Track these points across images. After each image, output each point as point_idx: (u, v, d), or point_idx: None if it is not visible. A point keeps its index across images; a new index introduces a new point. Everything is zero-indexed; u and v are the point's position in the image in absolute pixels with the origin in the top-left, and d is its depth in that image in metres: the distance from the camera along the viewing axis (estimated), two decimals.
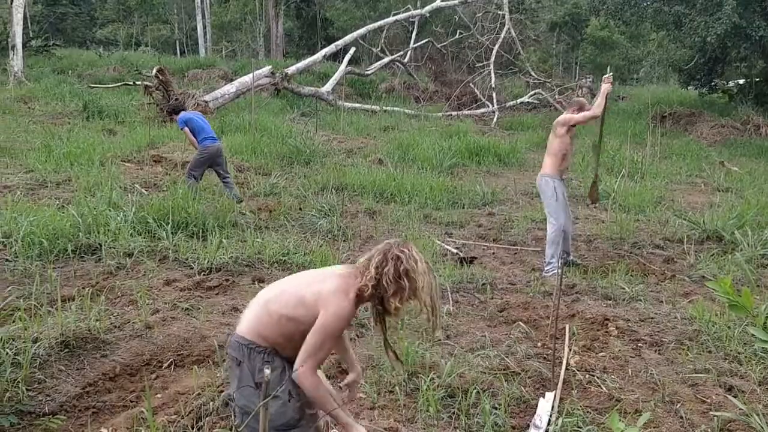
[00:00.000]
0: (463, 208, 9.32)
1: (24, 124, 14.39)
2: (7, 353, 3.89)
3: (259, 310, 2.69)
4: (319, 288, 2.64)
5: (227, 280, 5.89)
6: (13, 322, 4.48)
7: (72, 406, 3.78)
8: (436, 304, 2.69)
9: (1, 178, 9.28)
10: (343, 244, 7.12)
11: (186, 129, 8.86)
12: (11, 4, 22.35)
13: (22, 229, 6.25)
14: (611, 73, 7.04)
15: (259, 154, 12.18)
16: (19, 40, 21.97)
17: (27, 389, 3.78)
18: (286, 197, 9.12)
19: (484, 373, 4.30)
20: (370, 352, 4.50)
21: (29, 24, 34.47)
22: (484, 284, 6.10)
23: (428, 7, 25.25)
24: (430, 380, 4.01)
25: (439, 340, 4.78)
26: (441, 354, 4.56)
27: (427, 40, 26.10)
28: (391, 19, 25.02)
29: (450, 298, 5.66)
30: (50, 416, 3.65)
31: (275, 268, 6.27)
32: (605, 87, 6.82)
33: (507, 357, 4.56)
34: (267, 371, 1.83)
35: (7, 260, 5.94)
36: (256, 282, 5.87)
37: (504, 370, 4.39)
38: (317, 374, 2.67)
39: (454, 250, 7.18)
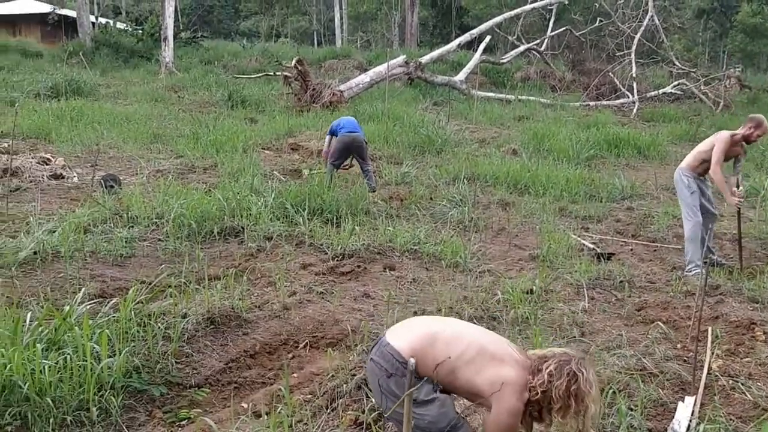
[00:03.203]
0: (601, 201, 9.01)
1: (174, 112, 15.30)
2: (159, 327, 4.17)
3: (424, 340, 2.69)
4: (497, 372, 2.62)
5: (359, 266, 6.02)
6: (165, 298, 4.80)
7: (216, 380, 4.01)
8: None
9: (155, 162, 9.94)
10: (475, 235, 7.09)
11: (327, 137, 9.21)
12: None
13: (173, 211, 6.67)
14: (743, 189, 6.54)
15: (391, 143, 12.32)
16: (170, 32, 23.35)
17: (176, 362, 4.04)
18: (418, 186, 9.17)
19: (620, 372, 4.16)
20: None
21: (179, 16, 36.53)
22: (621, 282, 5.88)
23: None
24: None
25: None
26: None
27: (565, 27, 25.39)
28: (528, 6, 24.54)
29: (586, 295, 5.50)
30: (196, 388, 3.88)
31: (406, 256, 6.33)
32: (731, 200, 6.40)
33: (644, 357, 4.38)
34: (412, 361, 1.85)
35: (159, 240, 6.37)
36: (387, 270, 5.97)
37: (641, 370, 4.23)
38: None
39: (591, 245, 6.97)
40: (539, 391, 2.58)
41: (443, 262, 6.16)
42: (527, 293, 5.33)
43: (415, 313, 4.84)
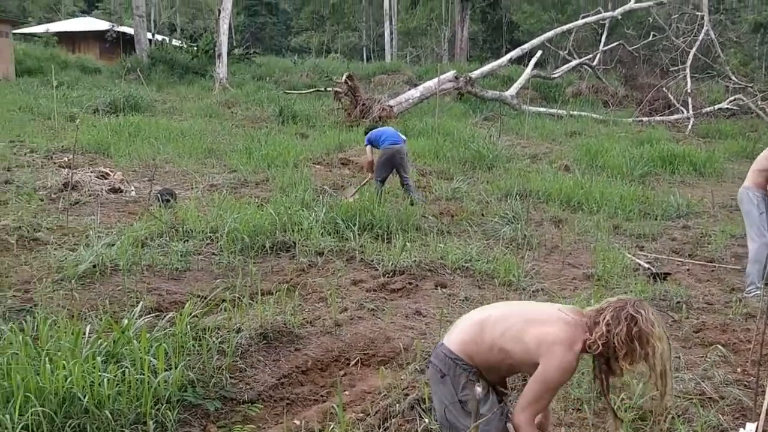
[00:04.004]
0: (656, 219, 8.81)
1: (227, 127, 15.59)
2: (213, 341, 4.22)
3: (472, 330, 2.70)
4: (542, 331, 2.57)
5: (410, 283, 5.98)
6: (219, 312, 4.85)
7: (268, 396, 4.02)
8: (668, 372, 2.54)
9: (209, 176, 10.12)
10: (528, 253, 7.00)
11: (368, 147, 9.25)
12: (219, 15, 24.32)
13: (227, 225, 6.77)
14: None
15: (441, 158, 12.31)
16: (224, 49, 23.84)
17: (230, 377, 4.07)
18: (469, 202, 9.11)
19: (678, 397, 4.04)
20: None
21: (233, 33, 37.22)
22: (678, 302, 5.73)
23: (620, 9, 24.26)
24: (621, 400, 3.83)
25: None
26: (632, 374, 4.35)
27: (617, 42, 25.10)
28: (580, 22, 24.31)
29: None
30: (249, 404, 3.90)
31: (458, 274, 6.28)
32: None
33: (703, 382, 4.25)
34: (478, 389, 1.84)
35: (213, 254, 6.46)
36: (438, 287, 5.92)
37: (700, 395, 4.10)
38: (534, 424, 2.61)
39: (646, 265, 6.82)
40: (600, 344, 2.52)
41: (496, 281, 6.09)
42: None
43: None
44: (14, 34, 26.94)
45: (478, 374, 2.65)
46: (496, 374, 2.69)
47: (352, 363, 4.50)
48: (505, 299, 5.61)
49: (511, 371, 2.76)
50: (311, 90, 21.81)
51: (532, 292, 5.86)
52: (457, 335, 2.72)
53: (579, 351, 2.55)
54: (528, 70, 21.79)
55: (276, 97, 20.10)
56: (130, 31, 32.61)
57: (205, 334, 4.24)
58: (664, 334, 2.55)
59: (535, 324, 2.60)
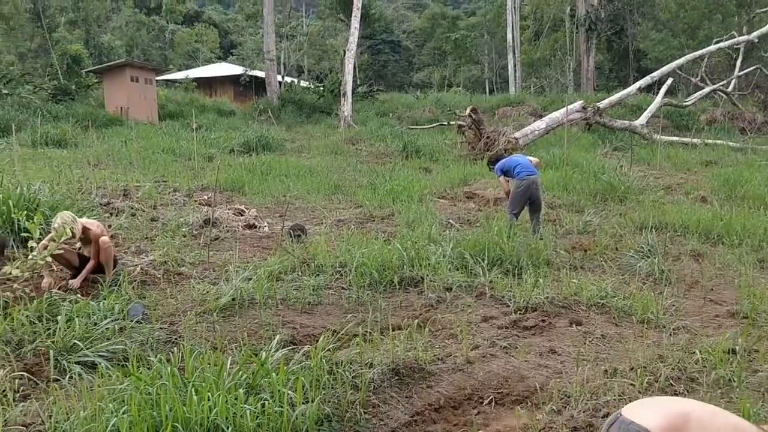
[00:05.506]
0: None
1: (353, 163, 15.96)
2: (347, 376, 4.26)
3: (676, 419, 2.48)
4: None
5: (543, 320, 5.80)
6: (351, 346, 4.91)
7: None
8: None
9: (336, 212, 10.36)
10: (667, 288, 6.65)
11: (501, 177, 9.18)
12: (344, 56, 25.13)
13: (355, 260, 6.87)
14: None
15: (571, 191, 12.02)
16: (349, 88, 24.56)
17: (364, 412, 4.09)
18: (601, 236, 8.80)
19: None
20: None
21: (357, 72, 38.28)
22: None
23: (756, 33, 22.99)
24: None
25: None
26: None
27: (754, 66, 23.79)
28: (713, 47, 23.24)
29: None
30: None
31: (593, 311, 6.05)
32: None
33: None
34: None
35: (343, 288, 6.57)
36: (573, 325, 5.72)
37: None
38: None
39: None
40: None
41: (633, 318, 5.82)
42: (729, 353, 4.89)
43: (605, 372, 4.61)
44: (157, 80, 28.93)
45: None
46: None
47: (486, 402, 4.40)
48: (644, 337, 5.35)
49: None
50: (434, 125, 22.01)
51: (673, 329, 5.54)
52: (656, 418, 2.50)
53: None
54: (658, 98, 21.04)
55: (399, 133, 20.43)
56: (261, 74, 34.27)
57: (338, 368, 4.29)
58: None
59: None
